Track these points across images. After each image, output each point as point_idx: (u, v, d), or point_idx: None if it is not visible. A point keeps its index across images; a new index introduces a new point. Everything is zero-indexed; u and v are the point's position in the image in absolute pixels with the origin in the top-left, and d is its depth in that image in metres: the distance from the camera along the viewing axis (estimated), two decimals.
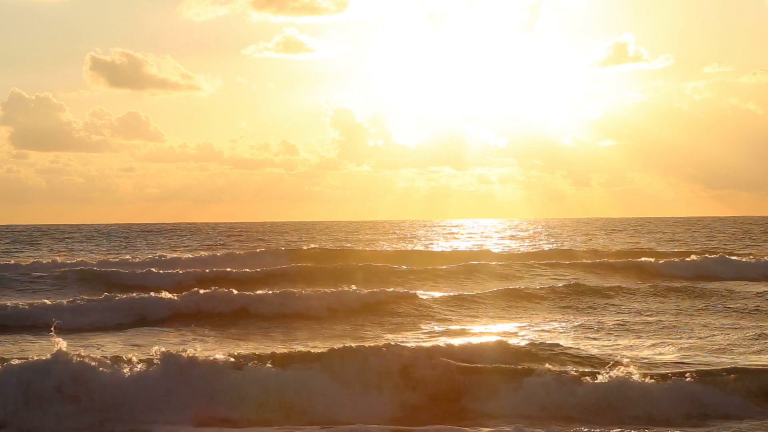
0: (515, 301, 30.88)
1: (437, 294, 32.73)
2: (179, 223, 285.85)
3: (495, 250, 63.14)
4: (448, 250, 67.43)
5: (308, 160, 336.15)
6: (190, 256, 54.82)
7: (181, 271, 39.50)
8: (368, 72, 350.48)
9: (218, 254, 55.85)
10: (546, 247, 68.80)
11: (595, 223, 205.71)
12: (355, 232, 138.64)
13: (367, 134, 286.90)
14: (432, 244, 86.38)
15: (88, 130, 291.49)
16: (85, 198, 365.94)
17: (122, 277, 38.23)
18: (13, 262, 50.35)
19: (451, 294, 32.48)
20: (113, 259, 51.98)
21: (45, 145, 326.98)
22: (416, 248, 70.71)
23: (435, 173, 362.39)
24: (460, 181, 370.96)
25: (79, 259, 52.64)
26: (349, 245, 78.18)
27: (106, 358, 15.52)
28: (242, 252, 57.51)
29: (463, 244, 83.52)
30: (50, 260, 50.26)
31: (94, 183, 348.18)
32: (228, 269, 40.95)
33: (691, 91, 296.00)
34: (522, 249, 67.17)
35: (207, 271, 39.51)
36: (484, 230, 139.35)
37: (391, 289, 32.29)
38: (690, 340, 22.06)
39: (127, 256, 56.56)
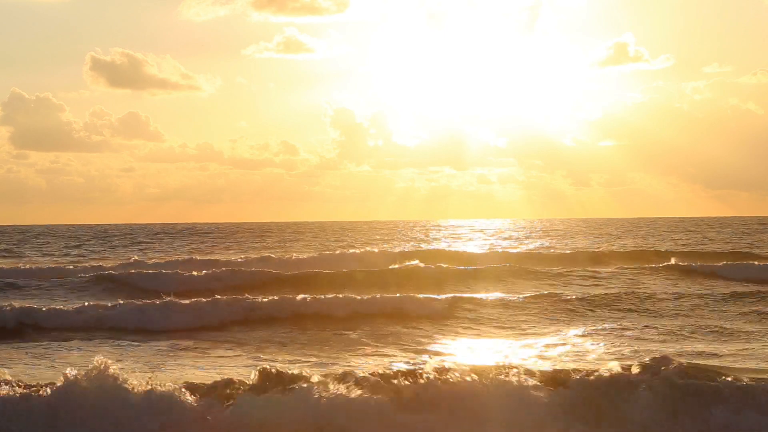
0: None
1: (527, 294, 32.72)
2: (179, 223, 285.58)
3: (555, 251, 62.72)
4: (512, 250, 66.09)
5: (308, 160, 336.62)
6: (296, 255, 54.19)
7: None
8: (368, 72, 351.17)
9: (319, 255, 54.86)
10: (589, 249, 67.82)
11: (600, 223, 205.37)
12: (370, 232, 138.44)
13: (367, 134, 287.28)
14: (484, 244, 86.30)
15: (88, 130, 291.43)
16: (85, 198, 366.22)
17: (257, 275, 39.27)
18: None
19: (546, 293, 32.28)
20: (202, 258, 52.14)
21: (45, 146, 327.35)
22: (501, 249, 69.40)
23: (435, 173, 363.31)
24: (460, 181, 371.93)
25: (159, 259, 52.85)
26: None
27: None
28: (337, 252, 56.99)
29: (503, 243, 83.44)
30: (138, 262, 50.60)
31: (94, 183, 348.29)
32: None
33: (691, 91, 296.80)
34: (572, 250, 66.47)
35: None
36: (505, 230, 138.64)
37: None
38: None
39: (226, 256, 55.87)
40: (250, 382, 14.46)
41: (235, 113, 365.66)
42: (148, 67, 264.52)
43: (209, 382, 14.96)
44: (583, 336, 24.30)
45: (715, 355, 20.71)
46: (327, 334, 25.05)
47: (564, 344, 22.84)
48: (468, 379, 14.37)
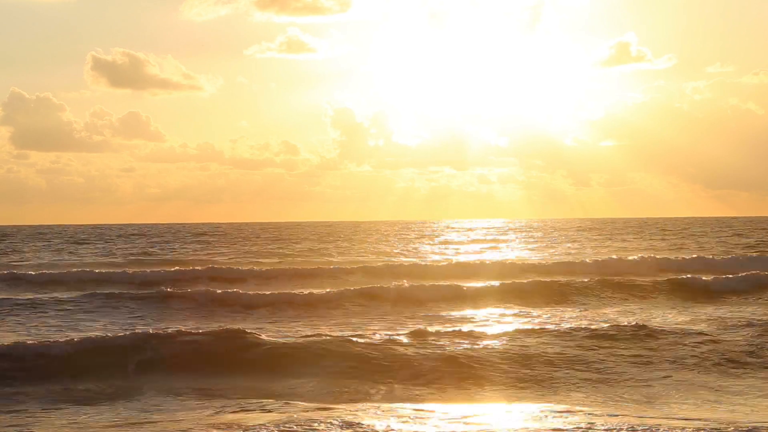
0: None
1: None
2: (185, 224, 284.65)
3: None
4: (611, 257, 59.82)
5: (309, 160, 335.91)
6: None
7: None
8: (369, 71, 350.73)
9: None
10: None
11: (603, 222, 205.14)
12: (394, 233, 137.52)
13: (367, 134, 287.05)
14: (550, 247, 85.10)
15: (88, 130, 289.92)
16: (85, 198, 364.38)
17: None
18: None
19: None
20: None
21: (45, 145, 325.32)
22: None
23: (435, 173, 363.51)
24: (461, 181, 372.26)
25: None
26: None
27: None
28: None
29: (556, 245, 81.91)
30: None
31: (94, 183, 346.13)
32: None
33: (692, 91, 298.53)
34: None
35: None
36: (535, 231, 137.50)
37: None
38: None
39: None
40: None
41: (235, 113, 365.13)
42: (149, 67, 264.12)
43: None
44: None
45: None
46: None
47: None
48: None
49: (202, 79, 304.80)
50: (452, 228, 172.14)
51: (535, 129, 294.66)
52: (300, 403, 16.74)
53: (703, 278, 39.50)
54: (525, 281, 39.03)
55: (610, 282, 38.41)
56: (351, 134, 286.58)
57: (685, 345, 22.65)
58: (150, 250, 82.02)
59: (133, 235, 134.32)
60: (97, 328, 27.28)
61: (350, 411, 15.90)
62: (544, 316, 30.33)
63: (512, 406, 16.93)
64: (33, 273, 46.75)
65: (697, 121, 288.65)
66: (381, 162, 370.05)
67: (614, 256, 57.33)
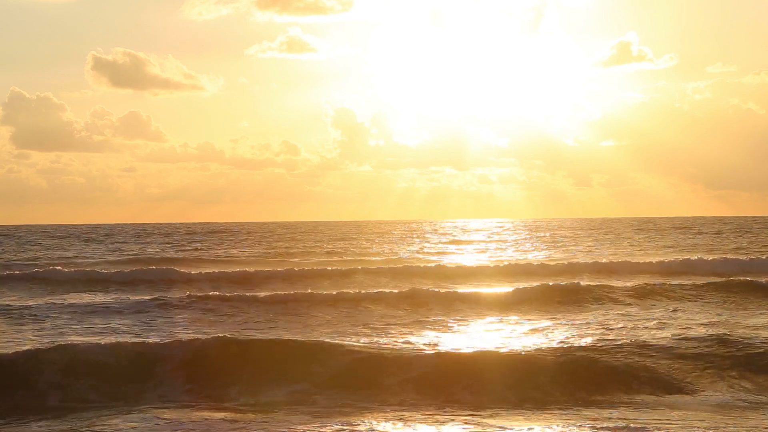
0: None
1: None
2: (187, 223, 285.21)
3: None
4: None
5: (309, 160, 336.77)
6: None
7: None
8: (370, 72, 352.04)
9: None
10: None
11: (605, 223, 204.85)
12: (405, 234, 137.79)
13: (368, 134, 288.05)
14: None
15: (89, 130, 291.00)
16: (85, 198, 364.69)
17: None
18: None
19: None
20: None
21: (46, 145, 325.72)
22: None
23: (436, 173, 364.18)
24: (461, 182, 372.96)
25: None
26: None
27: None
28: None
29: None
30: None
31: (95, 183, 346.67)
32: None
33: (692, 91, 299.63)
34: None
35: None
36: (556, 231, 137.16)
37: None
38: None
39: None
40: None
41: (236, 113, 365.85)
42: (150, 66, 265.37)
43: None
44: None
45: None
46: None
47: None
48: None
49: (203, 79, 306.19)
50: (462, 228, 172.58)
51: (536, 129, 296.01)
52: (300, 406, 17.09)
53: None
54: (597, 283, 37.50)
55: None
56: (352, 134, 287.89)
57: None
58: (187, 247, 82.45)
59: (142, 234, 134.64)
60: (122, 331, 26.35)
61: (346, 413, 16.31)
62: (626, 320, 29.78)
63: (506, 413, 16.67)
64: (71, 270, 47.01)
65: (698, 122, 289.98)
66: (381, 162, 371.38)
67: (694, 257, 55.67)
